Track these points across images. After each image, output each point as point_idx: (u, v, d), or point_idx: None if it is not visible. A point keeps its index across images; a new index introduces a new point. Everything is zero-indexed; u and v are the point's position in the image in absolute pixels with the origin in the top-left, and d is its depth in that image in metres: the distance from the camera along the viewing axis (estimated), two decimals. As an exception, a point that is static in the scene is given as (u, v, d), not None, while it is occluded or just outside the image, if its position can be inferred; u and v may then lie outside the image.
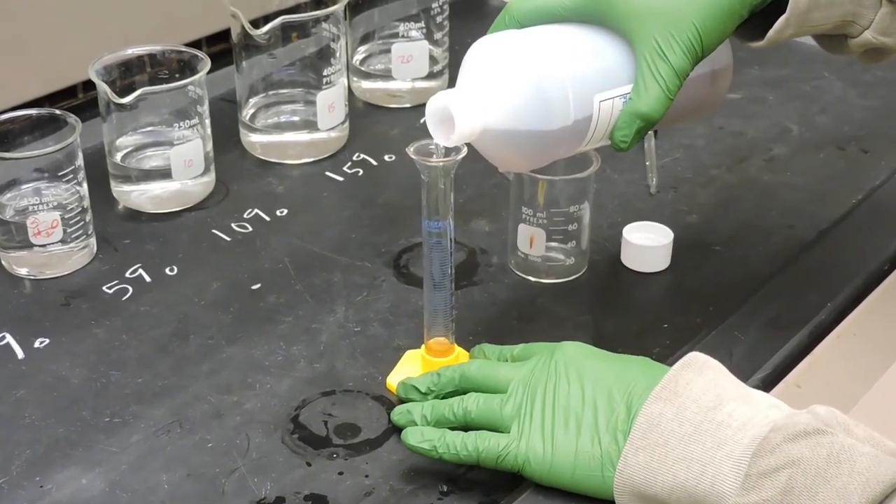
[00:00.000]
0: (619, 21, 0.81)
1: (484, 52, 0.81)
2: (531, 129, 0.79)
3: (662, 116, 0.80)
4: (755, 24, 0.84)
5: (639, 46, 0.80)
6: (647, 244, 0.99)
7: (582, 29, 0.82)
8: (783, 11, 0.81)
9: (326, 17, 1.12)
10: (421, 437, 0.79)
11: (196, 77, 1.05)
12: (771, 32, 0.82)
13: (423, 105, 1.24)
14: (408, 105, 1.25)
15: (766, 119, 1.21)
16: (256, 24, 1.10)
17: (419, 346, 0.88)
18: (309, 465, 0.81)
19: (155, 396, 0.87)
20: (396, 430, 0.83)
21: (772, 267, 0.99)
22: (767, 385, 0.86)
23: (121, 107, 1.04)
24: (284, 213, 1.07)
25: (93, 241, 1.01)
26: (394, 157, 1.16)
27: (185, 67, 1.08)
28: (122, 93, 1.03)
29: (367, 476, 0.80)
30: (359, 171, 1.14)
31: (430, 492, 0.79)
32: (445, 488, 0.79)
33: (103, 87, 1.02)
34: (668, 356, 0.89)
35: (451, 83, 1.26)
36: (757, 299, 0.95)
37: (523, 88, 0.79)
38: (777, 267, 0.99)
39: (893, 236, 1.01)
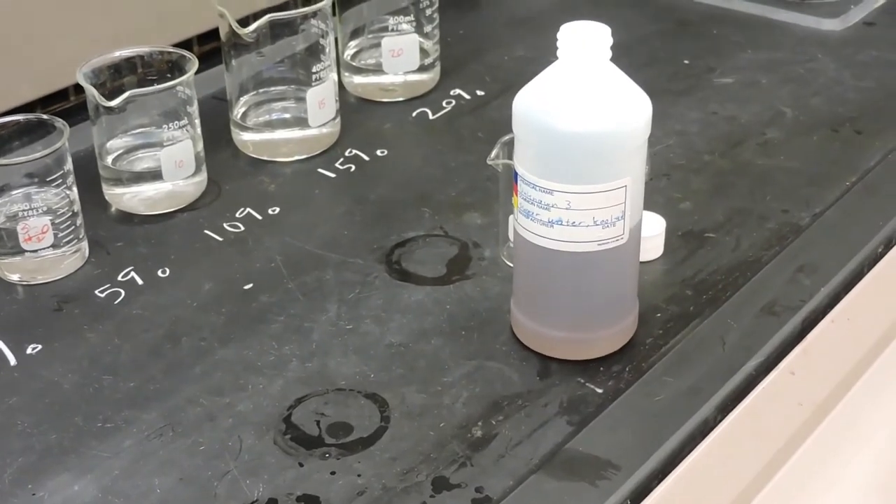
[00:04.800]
0: None
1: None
2: None
3: None
4: None
5: None
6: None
7: None
8: None
9: (314, 14, 1.12)
10: None
11: (183, 78, 1.05)
12: None
13: (416, 98, 1.26)
14: (400, 98, 1.24)
15: (759, 103, 1.20)
16: (245, 22, 1.10)
17: (412, 343, 0.88)
18: (301, 465, 0.81)
19: (147, 400, 0.86)
20: (388, 428, 0.83)
21: (766, 252, 0.99)
22: (761, 372, 0.86)
23: (109, 110, 1.03)
24: (277, 212, 1.07)
25: (84, 244, 1.01)
26: (386, 152, 1.15)
27: (174, 68, 1.08)
28: (112, 95, 1.03)
29: (359, 475, 0.80)
30: (351, 167, 1.13)
31: (422, 489, 0.78)
32: (438, 486, 0.79)
33: (91, 91, 1.02)
34: (661, 346, 0.89)
35: (443, 76, 1.26)
36: (750, 286, 0.94)
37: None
38: (771, 252, 0.98)
39: (887, 218, 1.01)
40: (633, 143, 0.83)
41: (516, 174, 0.85)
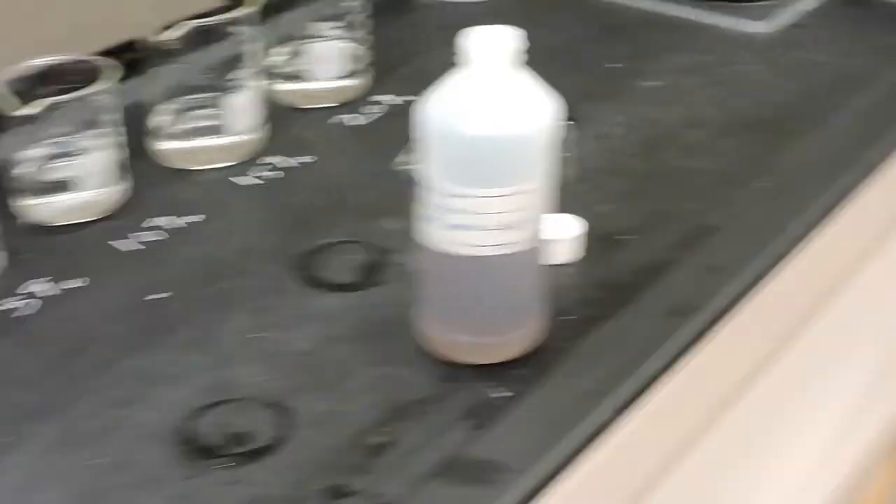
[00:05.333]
0: None
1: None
2: None
3: None
4: None
5: None
6: (555, 236, 0.98)
7: None
8: None
9: (240, 21, 1.12)
10: None
11: (104, 86, 1.04)
12: None
13: (343, 105, 1.25)
14: (329, 105, 1.24)
15: (683, 106, 1.20)
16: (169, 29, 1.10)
17: (318, 351, 0.88)
18: (199, 476, 0.80)
19: (46, 414, 0.86)
20: (290, 436, 0.83)
21: (678, 254, 0.99)
22: (660, 373, 0.86)
23: (27, 118, 1.03)
24: (194, 221, 1.06)
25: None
26: (310, 159, 1.15)
27: (96, 76, 1.07)
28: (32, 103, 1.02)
29: (257, 485, 0.79)
30: (273, 175, 1.13)
31: (320, 497, 0.78)
32: (335, 493, 0.78)
33: (7, 99, 1.02)
34: (567, 349, 0.89)
35: (374, 81, 1.25)
36: (658, 287, 0.94)
37: None
38: (683, 253, 0.98)
39: (795, 217, 1.01)
40: (535, 147, 0.83)
41: (420, 179, 0.85)
